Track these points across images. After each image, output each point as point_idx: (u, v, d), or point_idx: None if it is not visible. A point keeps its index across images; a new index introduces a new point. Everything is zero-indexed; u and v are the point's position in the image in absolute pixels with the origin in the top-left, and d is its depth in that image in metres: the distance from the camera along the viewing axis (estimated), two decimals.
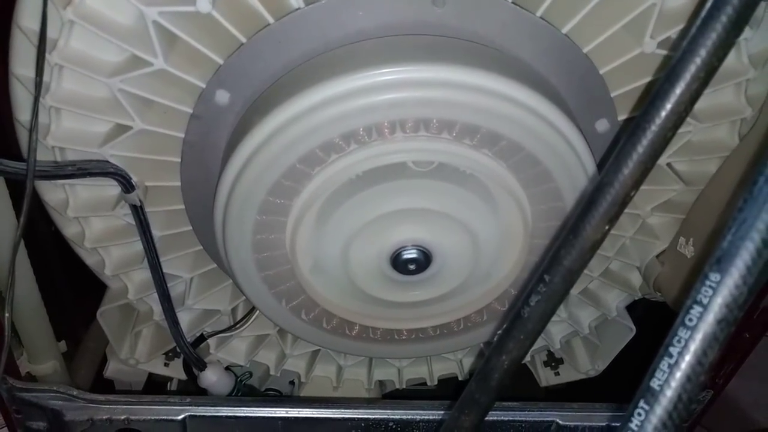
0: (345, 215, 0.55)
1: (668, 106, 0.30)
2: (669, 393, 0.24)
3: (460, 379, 0.80)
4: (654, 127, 0.30)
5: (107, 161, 0.55)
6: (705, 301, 0.24)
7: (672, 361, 0.24)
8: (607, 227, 0.32)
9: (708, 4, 0.29)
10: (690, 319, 0.24)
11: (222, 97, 0.53)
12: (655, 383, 0.24)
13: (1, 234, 0.55)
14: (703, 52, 0.29)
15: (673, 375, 0.24)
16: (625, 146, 0.31)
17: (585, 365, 0.79)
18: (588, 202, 0.32)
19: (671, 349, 0.24)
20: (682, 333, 0.24)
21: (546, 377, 0.82)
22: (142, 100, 0.53)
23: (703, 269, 0.25)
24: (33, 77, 0.49)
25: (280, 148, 0.50)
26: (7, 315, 0.51)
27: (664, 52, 0.52)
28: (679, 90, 0.29)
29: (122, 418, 0.64)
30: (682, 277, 0.63)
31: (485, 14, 0.51)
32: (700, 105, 0.57)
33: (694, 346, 0.24)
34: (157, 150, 0.56)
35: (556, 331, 0.77)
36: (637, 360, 0.78)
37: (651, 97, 0.30)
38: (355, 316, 0.63)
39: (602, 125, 0.58)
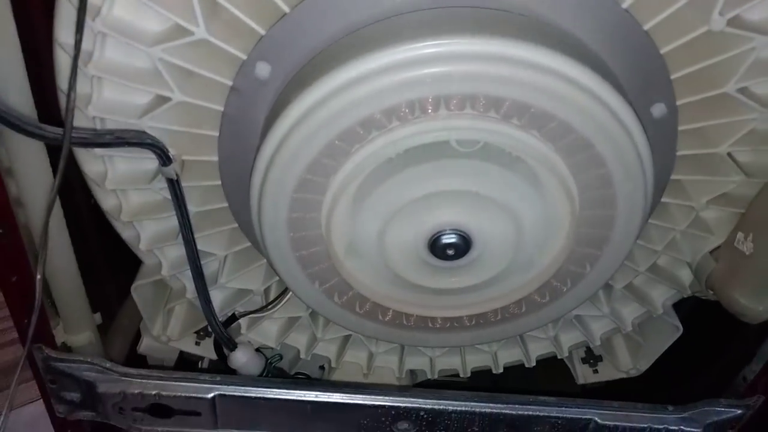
0: (383, 195, 0.53)
1: None
2: None
3: (494, 371, 0.78)
4: None
5: (145, 132, 0.54)
6: None
7: None
8: None
9: None
10: None
11: (262, 69, 0.52)
12: None
13: (39, 197, 0.55)
14: None
15: None
16: None
17: (626, 364, 0.76)
18: None
19: None
20: None
21: (584, 374, 0.79)
22: (182, 71, 0.52)
23: None
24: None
25: (319, 123, 0.49)
26: (39, 277, 0.51)
27: (732, 30, 0.48)
28: None
29: (153, 393, 0.65)
30: (738, 275, 0.59)
31: None
32: (766, 90, 0.53)
33: None
34: (195, 123, 0.55)
35: (597, 327, 0.74)
36: (681, 361, 0.75)
37: None
38: (389, 301, 0.62)
39: (659, 110, 0.55)
